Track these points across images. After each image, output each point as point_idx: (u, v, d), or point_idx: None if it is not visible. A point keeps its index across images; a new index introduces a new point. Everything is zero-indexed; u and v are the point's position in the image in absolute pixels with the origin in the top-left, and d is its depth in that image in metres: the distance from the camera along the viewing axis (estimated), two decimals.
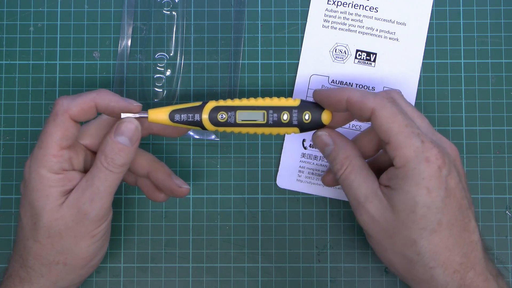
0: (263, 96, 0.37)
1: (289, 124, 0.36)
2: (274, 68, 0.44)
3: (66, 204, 0.35)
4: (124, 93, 0.44)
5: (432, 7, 0.44)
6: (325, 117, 0.37)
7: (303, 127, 0.37)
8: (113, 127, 0.35)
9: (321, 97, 0.37)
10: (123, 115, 0.35)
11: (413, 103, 0.43)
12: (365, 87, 0.43)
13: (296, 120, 0.36)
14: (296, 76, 0.44)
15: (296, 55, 0.44)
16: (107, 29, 0.44)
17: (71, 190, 0.35)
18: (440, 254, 0.33)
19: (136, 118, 0.35)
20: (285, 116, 0.36)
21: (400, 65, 0.43)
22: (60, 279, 0.36)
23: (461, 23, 0.44)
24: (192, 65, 0.44)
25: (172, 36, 0.44)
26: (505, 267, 0.42)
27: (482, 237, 0.35)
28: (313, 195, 0.43)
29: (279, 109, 0.36)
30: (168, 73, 0.44)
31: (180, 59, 0.44)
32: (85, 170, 0.37)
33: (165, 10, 0.44)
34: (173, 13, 0.44)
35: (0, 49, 0.44)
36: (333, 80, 0.43)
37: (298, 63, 0.44)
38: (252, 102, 0.36)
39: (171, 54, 0.44)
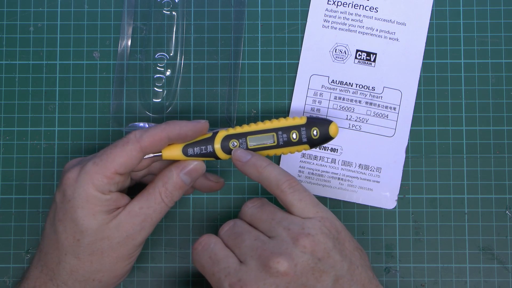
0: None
1: (299, 142, 0.38)
2: (274, 68, 0.44)
3: (114, 226, 0.35)
4: (124, 93, 0.44)
5: (432, 7, 0.44)
6: (333, 130, 0.38)
7: (312, 143, 0.38)
8: (180, 163, 0.36)
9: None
10: (146, 156, 0.35)
11: (413, 103, 0.43)
12: (365, 87, 0.43)
13: (305, 137, 0.38)
14: (296, 76, 0.44)
15: (296, 55, 0.44)
16: (107, 29, 0.44)
17: (113, 210, 0.35)
18: None
19: (151, 157, 0.36)
20: (294, 135, 0.38)
21: (400, 65, 0.43)
22: None
23: (461, 23, 0.44)
24: (192, 65, 0.44)
25: (172, 36, 0.44)
26: (505, 267, 0.42)
27: None
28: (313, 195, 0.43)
29: (288, 129, 0.38)
30: (168, 73, 0.44)
31: (180, 59, 0.44)
32: (121, 190, 0.37)
33: (165, 10, 0.44)
34: (173, 13, 0.44)
35: (0, 49, 0.44)
36: (333, 80, 0.43)
37: (298, 63, 0.44)
38: (260, 126, 0.38)
39: (171, 54, 0.44)
